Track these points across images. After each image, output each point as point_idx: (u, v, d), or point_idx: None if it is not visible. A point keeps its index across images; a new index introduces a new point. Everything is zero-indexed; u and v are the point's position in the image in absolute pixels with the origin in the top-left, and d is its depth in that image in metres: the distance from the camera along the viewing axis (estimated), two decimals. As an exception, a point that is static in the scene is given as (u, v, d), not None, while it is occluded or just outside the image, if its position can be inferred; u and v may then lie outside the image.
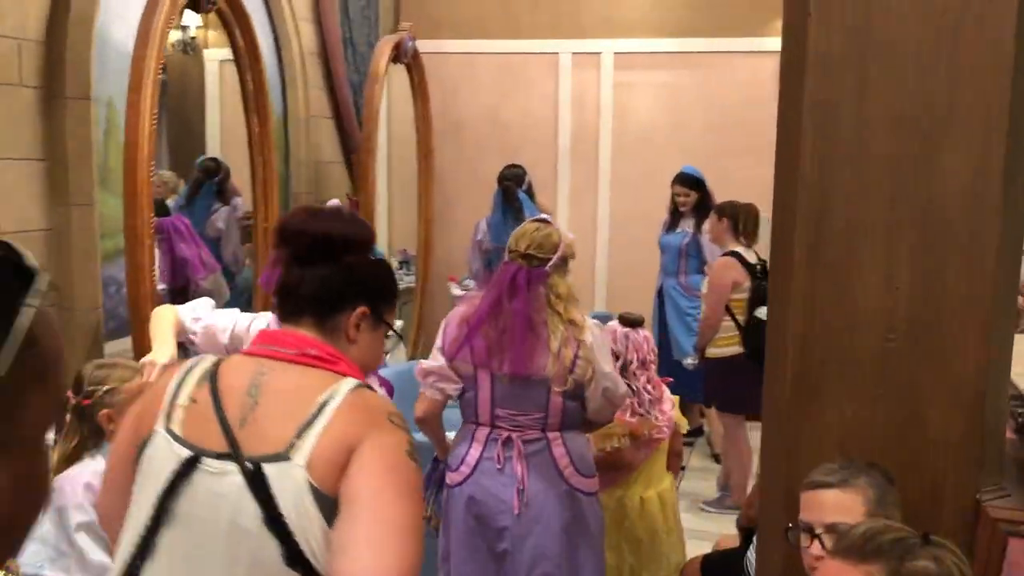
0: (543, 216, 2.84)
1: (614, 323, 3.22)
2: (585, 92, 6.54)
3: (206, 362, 1.40)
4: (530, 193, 5.12)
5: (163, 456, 1.31)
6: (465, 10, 6.62)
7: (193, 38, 4.68)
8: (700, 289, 5.12)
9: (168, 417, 1.34)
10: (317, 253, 1.41)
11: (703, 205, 5.39)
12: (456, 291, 6.07)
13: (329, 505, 1.23)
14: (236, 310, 2.40)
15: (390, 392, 2.51)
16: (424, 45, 6.04)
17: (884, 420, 1.61)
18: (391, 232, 6.62)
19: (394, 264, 6.41)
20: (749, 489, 3.67)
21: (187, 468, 1.29)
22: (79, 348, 3.12)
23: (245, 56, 3.84)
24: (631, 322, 3.18)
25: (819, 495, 1.60)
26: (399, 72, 5.99)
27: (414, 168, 6.39)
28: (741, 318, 4.50)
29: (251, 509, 1.24)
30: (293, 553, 1.22)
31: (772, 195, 1.71)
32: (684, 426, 3.49)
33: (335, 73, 5.53)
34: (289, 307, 1.43)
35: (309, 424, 1.27)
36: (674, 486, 3.47)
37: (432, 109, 6.24)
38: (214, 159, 4.72)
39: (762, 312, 3.74)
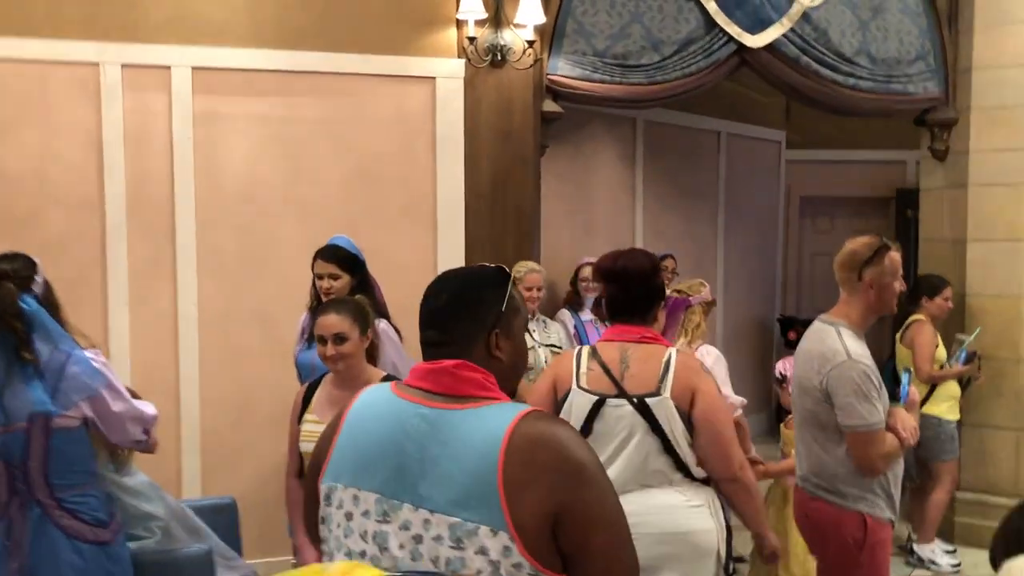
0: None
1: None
2: (148, 126, 4.17)
3: (586, 348, 2.75)
4: (51, 303, 2.58)
5: (581, 401, 2.65)
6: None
7: None
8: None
9: (577, 379, 2.68)
10: (633, 280, 2.73)
11: (362, 294, 3.41)
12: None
13: (684, 417, 2.58)
14: None
15: None
16: None
17: None
18: None
19: None
20: None
21: (598, 405, 2.62)
22: None
23: None
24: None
25: None
26: None
27: None
28: None
29: (640, 423, 2.58)
30: (667, 446, 2.58)
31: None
32: None
33: None
34: (621, 312, 2.74)
35: (664, 374, 2.60)
36: None
37: None
38: None
39: None
